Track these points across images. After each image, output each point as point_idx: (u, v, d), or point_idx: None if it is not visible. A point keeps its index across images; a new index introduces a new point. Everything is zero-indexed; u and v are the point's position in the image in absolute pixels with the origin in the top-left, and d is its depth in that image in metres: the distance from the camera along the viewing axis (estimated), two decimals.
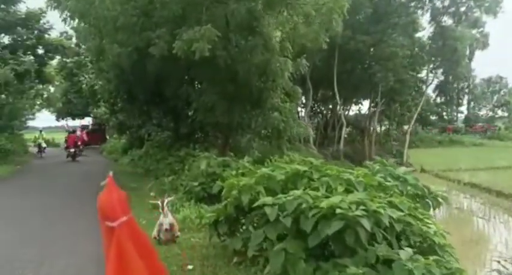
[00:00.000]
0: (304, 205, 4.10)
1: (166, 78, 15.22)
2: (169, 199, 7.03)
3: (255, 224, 5.28)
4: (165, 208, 6.68)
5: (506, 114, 71.56)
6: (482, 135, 54.83)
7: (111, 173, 3.87)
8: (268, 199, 4.48)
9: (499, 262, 4.10)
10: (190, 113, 17.51)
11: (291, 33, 13.61)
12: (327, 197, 4.25)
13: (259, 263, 5.01)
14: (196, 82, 16.84)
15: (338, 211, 3.73)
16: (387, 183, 4.72)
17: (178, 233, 6.95)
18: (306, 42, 13.64)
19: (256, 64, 12.68)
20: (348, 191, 4.47)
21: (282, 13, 13.05)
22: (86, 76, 28.04)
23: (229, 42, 12.61)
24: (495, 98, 69.48)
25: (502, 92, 70.22)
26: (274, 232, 4.32)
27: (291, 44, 13.60)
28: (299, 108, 32.82)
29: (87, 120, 41.02)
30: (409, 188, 4.86)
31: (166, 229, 6.66)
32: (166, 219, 6.68)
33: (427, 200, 5.12)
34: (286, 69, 12.86)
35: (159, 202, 6.75)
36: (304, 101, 32.90)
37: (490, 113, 70.33)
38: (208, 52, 10.59)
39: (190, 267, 5.64)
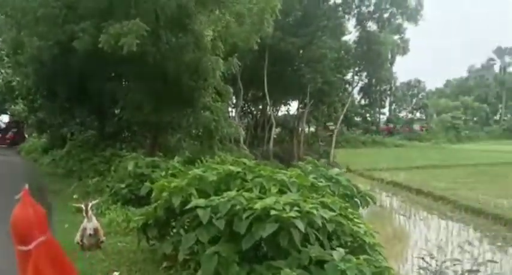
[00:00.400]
0: (238, 207, 4.03)
1: (90, 75, 14.51)
2: (94, 202, 6.67)
3: (186, 227, 5.13)
4: (89, 212, 6.31)
5: (423, 116, 76.47)
6: (402, 137, 57.96)
7: (26, 186, 3.38)
8: (201, 201, 4.35)
9: (422, 258, 4.29)
10: (116, 112, 16.85)
11: (223, 32, 13.53)
12: (261, 198, 4.20)
13: (190, 268, 4.87)
14: (123, 79, 16.24)
15: (272, 212, 3.69)
16: (320, 184, 4.76)
17: (104, 238, 6.61)
18: (238, 42, 13.63)
19: (187, 62, 12.45)
20: (281, 192, 4.45)
21: (214, 11, 12.93)
22: (2, 71, 26.23)
23: (159, 38, 12.26)
24: (414, 101, 73.99)
25: (420, 95, 74.91)
26: (206, 235, 4.20)
27: (223, 43, 13.52)
28: (230, 108, 32.82)
29: (3, 118, 38.45)
30: (340, 188, 4.94)
31: (90, 234, 6.31)
32: (90, 223, 6.32)
33: (356, 199, 5.24)
34: (217, 69, 12.75)
35: (82, 206, 6.38)
36: (235, 101, 32.95)
37: (409, 115, 74.75)
38: (136, 47, 10.22)
39: (116, 273, 5.38)
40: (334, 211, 4.27)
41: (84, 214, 6.32)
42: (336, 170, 4.82)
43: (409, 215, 14.18)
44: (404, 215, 14.35)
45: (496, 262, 8.40)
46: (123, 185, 9.71)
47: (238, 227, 3.93)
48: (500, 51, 75.16)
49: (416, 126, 71.07)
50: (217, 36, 13.35)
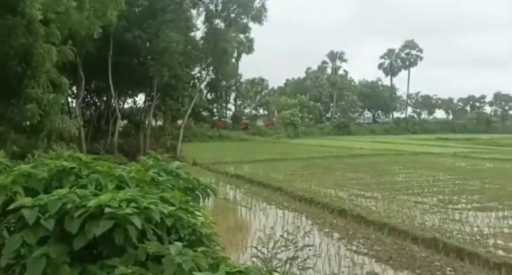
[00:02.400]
0: (69, 205, 3.76)
1: None
2: None
3: (12, 229, 4.63)
4: None
5: (266, 112, 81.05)
6: (246, 131, 60.61)
7: None
8: (28, 200, 3.96)
9: (256, 247, 4.52)
10: None
11: (61, 17, 12.51)
12: (97, 195, 3.99)
13: (15, 272, 4.42)
14: None
15: (107, 210, 3.53)
16: (160, 178, 4.71)
17: None
18: (79, 30, 12.75)
19: (15, 47, 11.23)
20: (119, 188, 4.29)
21: None
22: None
23: None
24: (258, 98, 77.93)
25: (263, 93, 79.20)
26: (33, 236, 3.84)
27: (60, 30, 12.51)
28: (70, 99, 30.60)
29: None
30: (180, 181, 4.95)
31: None
32: None
33: (197, 192, 5.29)
34: (49, 58, 11.74)
35: None
36: (75, 91, 30.80)
37: (253, 111, 78.58)
38: None
39: None
40: (174, 205, 4.25)
41: None
42: (177, 163, 4.81)
43: (251, 206, 14.88)
44: (246, 206, 15.02)
45: (312, 245, 9.29)
46: None
47: (70, 227, 3.67)
48: (332, 55, 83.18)
49: (260, 122, 75.11)
50: (54, 22, 12.30)
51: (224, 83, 63.28)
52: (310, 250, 8.72)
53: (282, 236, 8.98)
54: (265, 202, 15.63)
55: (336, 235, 11.26)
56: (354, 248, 10.09)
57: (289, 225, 12.05)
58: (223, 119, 67.12)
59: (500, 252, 9.26)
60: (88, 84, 31.61)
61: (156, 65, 26.96)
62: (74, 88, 29.50)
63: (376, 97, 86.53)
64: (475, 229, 11.26)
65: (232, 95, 70.43)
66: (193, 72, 36.23)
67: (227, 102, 70.59)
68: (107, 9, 11.66)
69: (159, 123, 43.27)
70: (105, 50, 26.48)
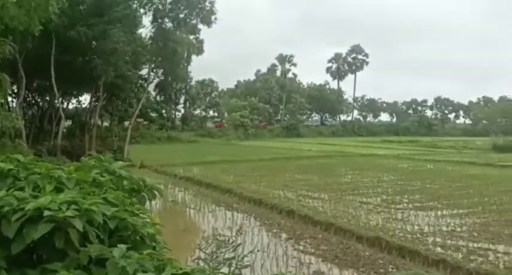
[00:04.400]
0: (6, 208, 3.59)
1: None
2: None
3: None
4: None
5: (216, 114, 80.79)
6: (196, 133, 60.32)
7: None
8: None
9: (200, 248, 4.48)
10: None
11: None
12: (36, 197, 3.83)
13: None
14: None
15: (46, 213, 3.40)
16: (102, 179, 4.59)
17: None
18: (18, 25, 12.18)
19: None
20: (59, 189, 4.14)
21: None
22: None
23: None
24: (208, 99, 77.48)
25: (213, 94, 78.81)
26: None
27: None
28: (10, 99, 29.20)
29: None
30: (125, 182, 4.84)
31: None
32: None
33: (143, 193, 5.19)
34: None
35: None
36: (16, 90, 29.38)
37: (203, 113, 78.07)
38: None
39: None
40: (117, 206, 4.16)
41: None
42: (120, 163, 4.71)
43: (200, 208, 14.80)
44: (195, 208, 14.93)
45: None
46: None
47: (7, 231, 3.50)
48: (281, 58, 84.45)
49: (210, 124, 74.89)
50: None
51: (175, 84, 62.62)
52: (252, 251, 8.79)
53: (227, 236, 8.98)
54: (214, 203, 15.60)
55: (284, 235, 11.41)
56: (301, 248, 10.27)
57: (238, 226, 12.08)
58: (222, 121, 68.43)
59: (439, 249, 9.70)
60: (30, 83, 30.21)
61: (103, 65, 26.19)
62: (15, 87, 28.14)
63: (324, 100, 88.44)
64: (416, 227, 11.75)
65: (182, 97, 69.79)
66: (141, 73, 35.50)
67: (177, 104, 69.85)
68: (48, 5, 11.19)
69: (106, 124, 42.14)
70: (47, 47, 25.43)
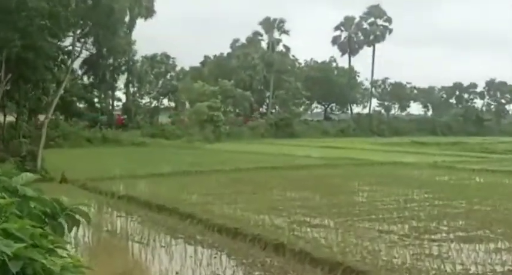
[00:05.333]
0: None
1: None
2: None
3: None
4: None
5: (173, 104, 79.65)
6: (144, 132, 59.84)
7: None
8: None
9: None
10: None
11: None
12: None
13: None
14: None
15: None
16: (1, 201, 4.53)
17: None
18: None
19: None
20: None
21: None
22: None
23: None
24: (160, 83, 76.61)
25: (168, 76, 78.03)
26: None
27: None
28: None
29: None
30: (33, 205, 4.78)
31: None
32: None
33: (60, 220, 5.14)
34: None
35: None
36: None
37: (155, 103, 77.01)
38: None
39: None
40: (23, 241, 4.11)
41: None
42: (26, 176, 4.64)
43: (148, 242, 14.72)
44: (141, 242, 14.84)
45: None
46: None
47: None
48: (268, 24, 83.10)
49: (164, 118, 74.30)
50: None
51: (111, 61, 61.78)
52: None
53: None
54: (169, 235, 15.51)
55: None
56: None
57: (203, 268, 12.04)
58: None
59: None
60: None
61: (4, 30, 25.72)
62: None
63: (329, 84, 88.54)
64: (459, 267, 11.85)
65: (123, 79, 68.60)
66: (62, 44, 35.07)
67: (114, 89, 68.94)
68: None
69: (10, 119, 41.55)
70: None
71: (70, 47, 34.75)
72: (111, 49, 49.72)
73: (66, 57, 36.23)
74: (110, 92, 68.27)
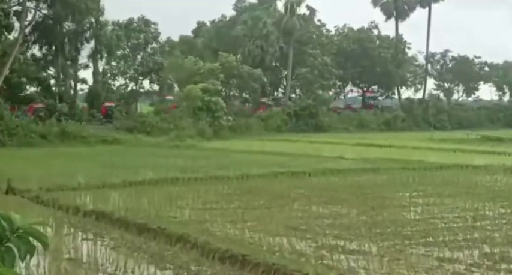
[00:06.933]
0: None
1: None
2: None
3: None
4: None
5: (157, 86, 79.51)
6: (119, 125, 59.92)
7: None
8: None
9: None
10: None
11: None
12: None
13: None
14: None
15: None
16: None
17: None
18: None
19: None
20: None
21: None
22: None
23: None
24: (139, 57, 76.52)
25: (150, 49, 78.02)
26: None
27: None
28: None
29: None
30: None
31: None
32: None
33: (8, 244, 5.16)
34: None
35: None
36: None
37: (132, 85, 76.84)
38: None
39: None
40: None
41: None
42: None
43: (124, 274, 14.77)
44: (115, 274, 14.89)
45: None
46: None
47: None
48: None
49: (145, 106, 74.39)
50: None
51: (70, 25, 61.07)
52: None
53: None
54: (153, 264, 15.55)
55: None
56: None
57: None
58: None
59: None
60: None
61: None
62: None
63: (369, 60, 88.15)
64: None
65: (87, 51, 67.86)
66: (7, 7, 35.23)
67: (77, 65, 68.56)
68: None
69: None
70: None
71: (16, 8, 34.67)
72: (68, 10, 49.28)
73: (12, 20, 36.05)
74: (70, 70, 67.85)
